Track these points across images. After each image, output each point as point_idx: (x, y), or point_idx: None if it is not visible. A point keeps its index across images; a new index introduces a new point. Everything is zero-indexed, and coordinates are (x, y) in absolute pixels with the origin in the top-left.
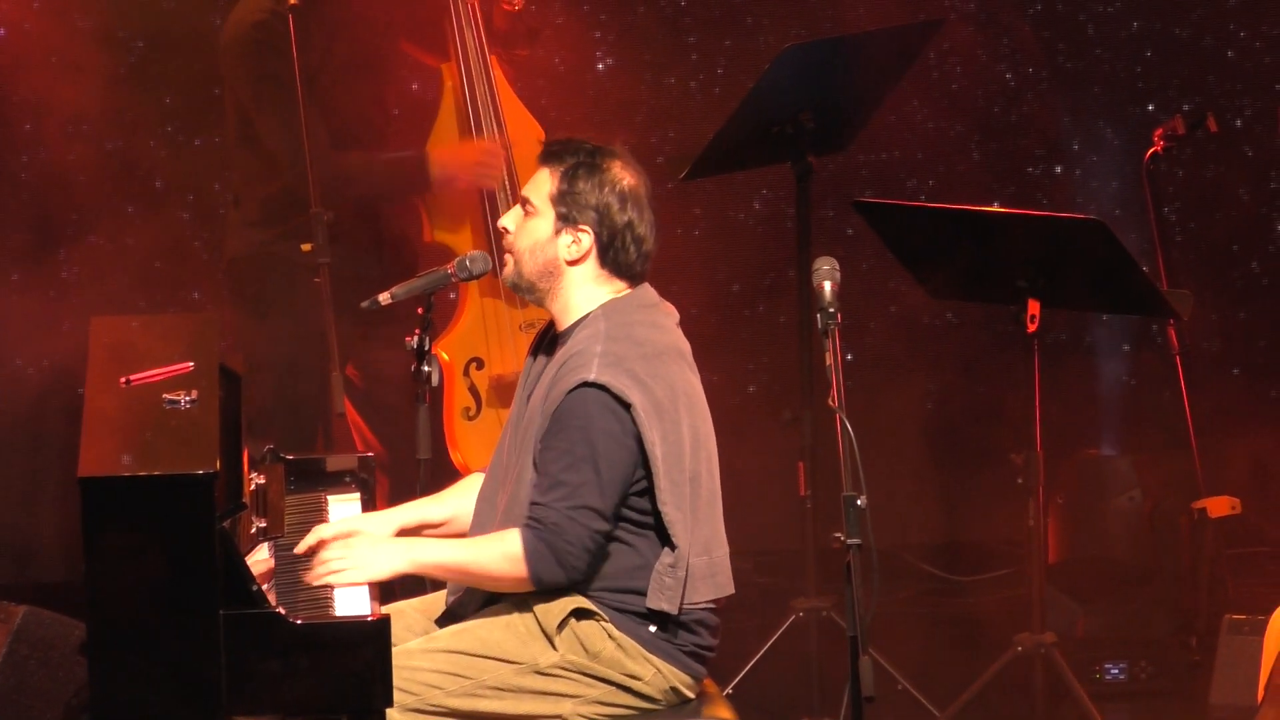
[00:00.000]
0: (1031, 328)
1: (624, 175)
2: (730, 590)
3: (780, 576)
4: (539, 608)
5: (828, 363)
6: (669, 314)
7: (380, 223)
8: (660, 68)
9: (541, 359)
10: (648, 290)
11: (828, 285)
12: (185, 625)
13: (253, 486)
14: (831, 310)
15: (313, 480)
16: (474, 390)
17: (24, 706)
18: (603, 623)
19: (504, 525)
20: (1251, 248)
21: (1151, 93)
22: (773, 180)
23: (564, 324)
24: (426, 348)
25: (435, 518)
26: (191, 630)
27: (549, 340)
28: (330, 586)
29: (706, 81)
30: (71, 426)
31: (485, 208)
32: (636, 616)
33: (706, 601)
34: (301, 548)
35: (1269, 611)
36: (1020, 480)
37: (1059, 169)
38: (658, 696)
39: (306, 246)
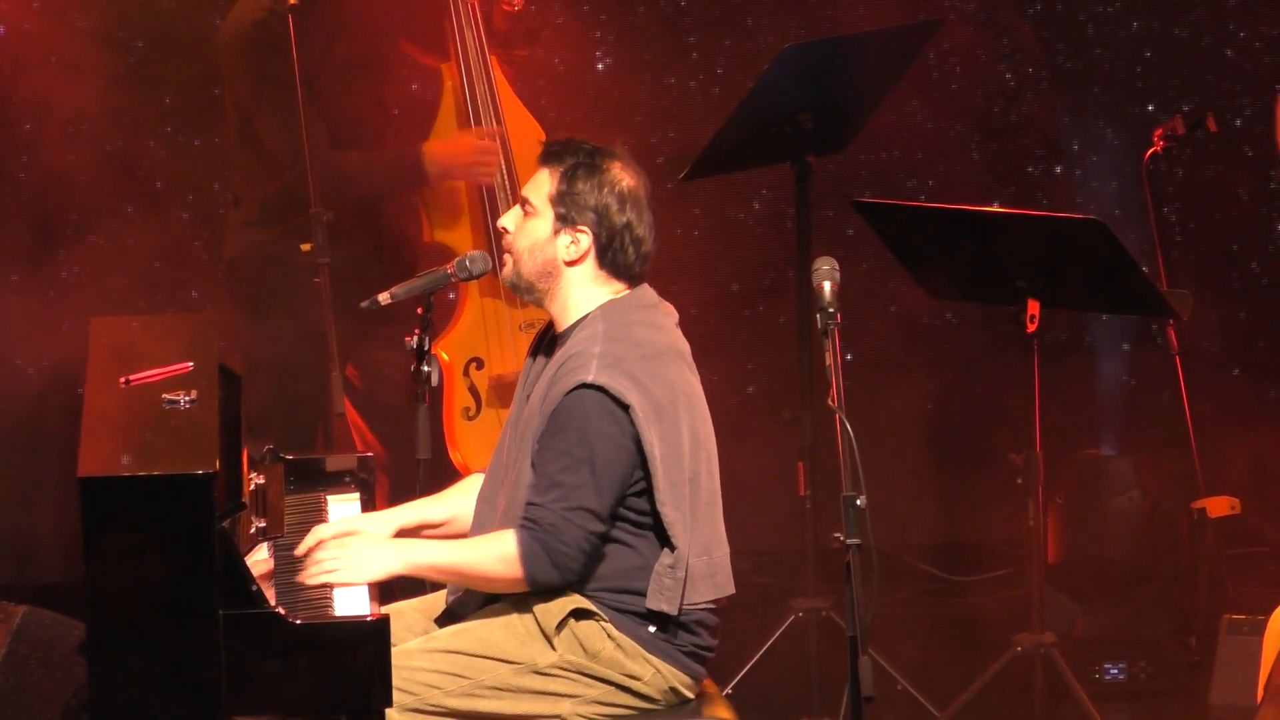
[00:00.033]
0: (1031, 328)
1: (623, 176)
2: (730, 590)
3: (780, 577)
4: (538, 608)
5: (827, 363)
6: (668, 314)
7: (380, 223)
8: (660, 68)
9: (541, 359)
10: (647, 291)
11: (827, 285)
12: (185, 625)
13: (252, 486)
14: (831, 310)
15: (312, 480)
16: (474, 390)
17: (23, 706)
18: (602, 623)
19: (503, 525)
20: (1251, 248)
21: (1151, 93)
22: (772, 180)
23: (563, 324)
24: (426, 348)
25: (435, 518)
26: (191, 630)
27: (548, 341)
28: (330, 586)
29: (706, 81)
30: (71, 426)
31: (485, 207)
32: (636, 617)
33: (706, 602)
34: (301, 549)
35: (1268, 612)
36: (1020, 480)
37: (1059, 169)
38: (657, 696)
39: (306, 246)
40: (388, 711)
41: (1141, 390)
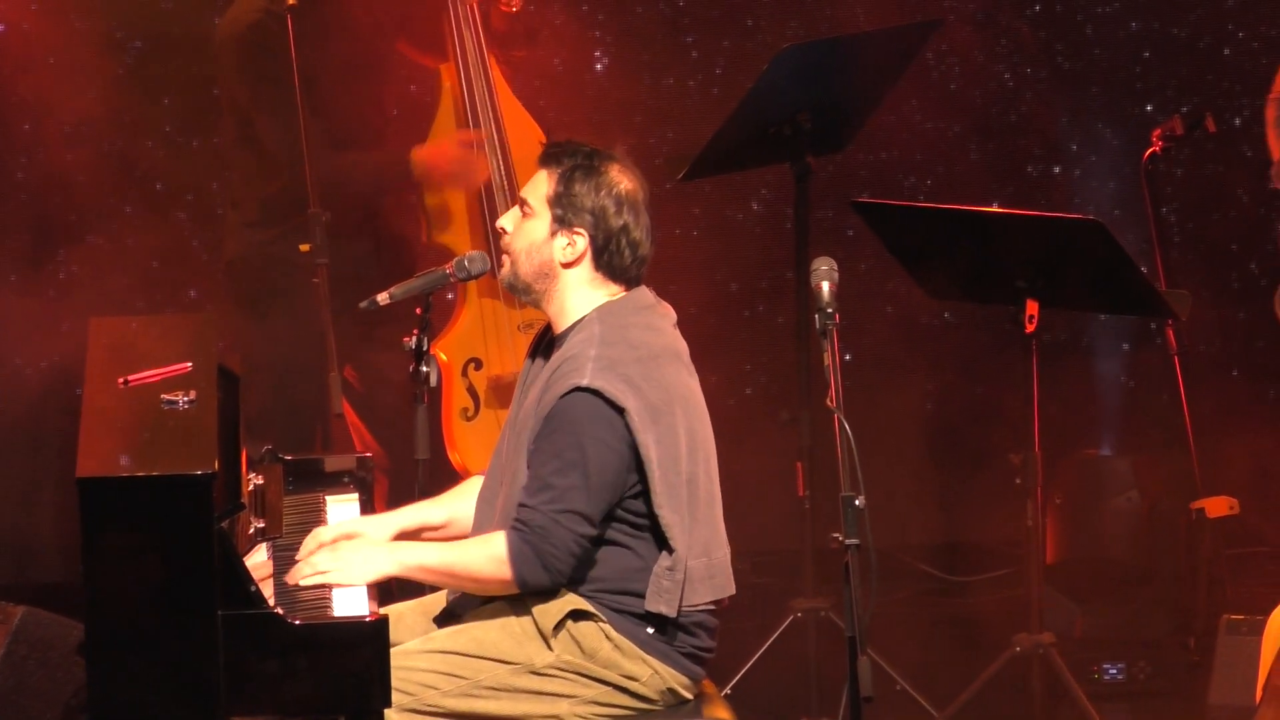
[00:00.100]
0: (1030, 328)
1: (621, 179)
2: (731, 591)
3: (779, 577)
4: (536, 609)
5: (826, 363)
6: (666, 315)
7: (379, 223)
8: (659, 68)
9: (539, 361)
10: (644, 292)
11: (826, 286)
12: (184, 626)
13: (251, 487)
14: (830, 311)
15: (311, 481)
16: (472, 391)
17: (23, 707)
18: (600, 624)
19: (501, 526)
20: (1250, 248)
21: (1150, 93)
22: (771, 180)
23: (560, 326)
24: (425, 348)
25: (435, 520)
26: (190, 631)
27: (547, 342)
28: (328, 587)
29: (705, 82)
30: (71, 427)
31: (484, 208)
32: (634, 618)
33: (706, 603)
34: (302, 554)
35: (1267, 612)
36: (1019, 480)
37: (1057, 169)
38: (655, 697)
39: (305, 247)
40: (386, 712)
41: (1140, 390)
